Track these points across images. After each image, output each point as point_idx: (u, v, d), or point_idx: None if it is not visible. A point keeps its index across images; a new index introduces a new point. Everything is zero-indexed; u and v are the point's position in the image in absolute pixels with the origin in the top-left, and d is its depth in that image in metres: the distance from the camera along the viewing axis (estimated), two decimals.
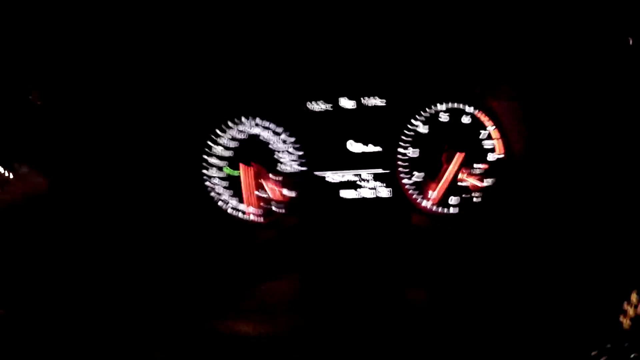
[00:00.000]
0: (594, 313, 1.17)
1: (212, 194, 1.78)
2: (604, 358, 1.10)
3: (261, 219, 1.77)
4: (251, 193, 1.75)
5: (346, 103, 1.71)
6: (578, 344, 1.14)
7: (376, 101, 1.71)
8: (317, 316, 1.30)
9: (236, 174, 1.74)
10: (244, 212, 1.78)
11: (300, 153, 1.73)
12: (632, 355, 1.11)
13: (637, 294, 1.16)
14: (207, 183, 1.78)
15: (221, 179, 1.78)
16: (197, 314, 1.32)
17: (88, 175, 1.49)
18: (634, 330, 1.13)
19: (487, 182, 1.64)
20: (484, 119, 1.65)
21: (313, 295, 1.44)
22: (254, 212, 1.77)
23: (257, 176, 1.74)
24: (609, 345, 1.10)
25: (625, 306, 1.15)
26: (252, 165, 1.73)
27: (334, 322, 1.27)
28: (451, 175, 1.66)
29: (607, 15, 1.30)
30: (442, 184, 1.67)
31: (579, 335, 1.15)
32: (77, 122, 1.48)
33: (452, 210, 1.69)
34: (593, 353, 1.13)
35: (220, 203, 1.77)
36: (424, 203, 1.70)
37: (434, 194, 1.69)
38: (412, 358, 1.14)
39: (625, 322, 1.14)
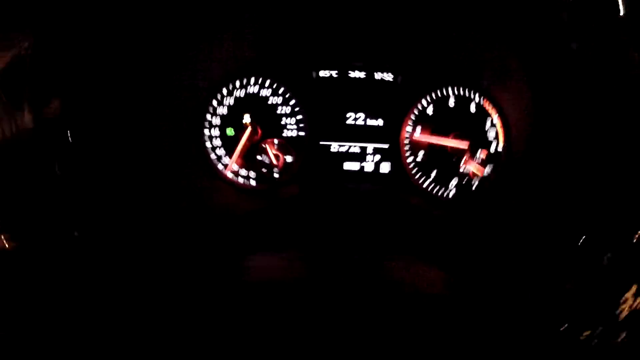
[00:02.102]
0: (592, 303, 1.17)
1: (212, 155, 1.67)
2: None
3: (260, 185, 1.68)
4: (248, 156, 1.67)
5: (357, 74, 1.64)
6: (572, 328, 1.14)
7: (387, 76, 1.65)
8: (312, 289, 1.24)
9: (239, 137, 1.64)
10: (244, 177, 1.68)
11: (307, 120, 1.65)
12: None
13: (638, 286, 1.17)
14: (208, 144, 1.66)
15: (223, 140, 1.66)
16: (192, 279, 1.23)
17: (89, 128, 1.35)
18: (629, 320, 1.13)
19: (488, 169, 1.61)
20: (489, 108, 1.62)
21: (310, 267, 1.38)
22: (253, 177, 1.68)
23: (261, 140, 1.64)
24: (600, 329, 1.10)
25: (625, 296, 1.15)
26: (256, 128, 1.63)
27: (327, 295, 1.21)
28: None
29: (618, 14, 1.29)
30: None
31: (574, 320, 1.14)
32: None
33: (450, 193, 1.66)
34: (585, 333, 1.13)
35: (220, 166, 1.67)
36: (424, 183, 1.66)
37: None
38: (407, 336, 1.11)
39: (623, 313, 1.15)
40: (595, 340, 1.11)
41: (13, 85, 1.24)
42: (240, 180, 1.69)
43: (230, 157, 1.67)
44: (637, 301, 1.18)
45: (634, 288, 1.21)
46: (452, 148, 1.62)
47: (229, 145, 1.67)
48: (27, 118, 1.24)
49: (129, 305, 1.16)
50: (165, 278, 1.26)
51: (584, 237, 1.29)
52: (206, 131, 1.68)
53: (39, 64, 1.25)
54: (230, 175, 1.69)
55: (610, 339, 1.11)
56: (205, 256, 1.37)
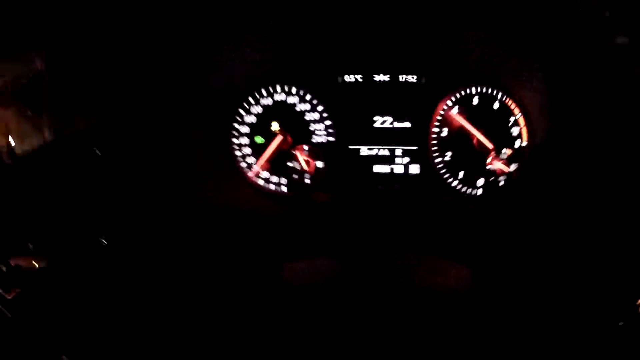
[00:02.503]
0: (614, 298, 1.18)
1: (242, 163, 1.67)
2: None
3: (292, 192, 1.69)
4: (279, 163, 1.68)
5: (381, 77, 1.65)
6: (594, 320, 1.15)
7: (411, 78, 1.66)
8: (348, 294, 1.26)
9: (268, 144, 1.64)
10: (276, 184, 1.68)
11: (335, 126, 1.66)
12: None
13: None
14: (237, 152, 1.66)
15: (252, 148, 1.66)
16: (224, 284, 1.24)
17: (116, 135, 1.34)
18: None
19: (513, 167, 1.64)
20: (513, 106, 1.64)
21: (345, 272, 1.40)
22: (285, 184, 1.68)
23: (290, 147, 1.65)
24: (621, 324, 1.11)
25: None
26: (286, 136, 1.63)
27: (363, 297, 1.24)
28: None
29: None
30: None
31: (596, 314, 1.16)
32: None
33: (478, 192, 1.68)
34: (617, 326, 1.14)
35: (250, 174, 1.67)
36: (453, 182, 1.68)
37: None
38: (441, 336, 1.12)
39: None
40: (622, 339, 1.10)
41: (36, 100, 1.23)
42: (272, 187, 1.69)
43: (262, 165, 1.67)
44: None
45: None
46: (478, 146, 1.64)
47: (259, 153, 1.67)
48: (51, 131, 1.24)
49: (163, 311, 1.16)
50: (201, 286, 1.26)
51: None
52: (234, 140, 1.67)
53: (61, 77, 1.24)
54: (261, 182, 1.69)
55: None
56: (241, 263, 1.38)
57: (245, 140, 1.67)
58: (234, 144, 1.67)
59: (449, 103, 1.67)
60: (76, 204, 1.24)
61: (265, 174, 1.69)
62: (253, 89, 1.65)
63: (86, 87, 1.30)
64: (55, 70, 1.23)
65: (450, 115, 1.66)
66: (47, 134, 1.25)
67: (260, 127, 1.66)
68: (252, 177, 1.68)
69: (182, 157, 1.53)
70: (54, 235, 1.19)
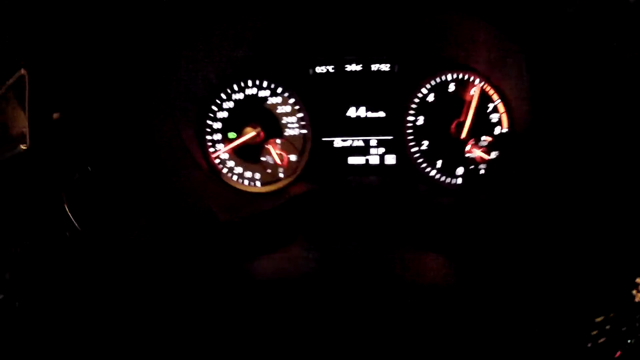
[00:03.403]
0: (605, 287, 1.13)
1: (217, 160, 1.63)
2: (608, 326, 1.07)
3: (266, 187, 1.64)
4: (252, 158, 1.64)
5: (353, 67, 1.59)
6: (585, 311, 1.09)
7: (384, 67, 1.60)
8: (325, 286, 1.21)
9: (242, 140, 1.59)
10: (249, 180, 1.64)
11: (308, 118, 1.61)
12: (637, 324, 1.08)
13: None
14: (211, 149, 1.62)
15: (225, 144, 1.62)
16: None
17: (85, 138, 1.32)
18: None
19: (493, 155, 1.56)
20: (491, 92, 1.57)
21: (321, 264, 1.35)
22: (259, 179, 1.64)
23: (263, 141, 1.60)
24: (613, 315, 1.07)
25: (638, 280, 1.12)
26: (259, 130, 1.59)
27: (340, 290, 1.19)
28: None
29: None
30: None
31: (587, 304, 1.11)
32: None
33: (457, 180, 1.61)
34: (598, 319, 1.09)
35: (224, 170, 1.63)
36: (431, 172, 1.61)
37: None
38: (417, 327, 1.09)
39: (638, 296, 1.12)
40: (602, 337, 1.07)
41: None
42: (246, 182, 1.65)
43: (235, 161, 1.63)
44: None
45: None
46: (456, 133, 1.56)
47: (235, 150, 1.63)
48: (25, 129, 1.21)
49: (134, 309, 1.13)
50: (173, 283, 1.23)
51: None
52: (208, 136, 1.63)
53: (38, 74, 1.21)
54: (235, 178, 1.65)
55: (617, 334, 1.07)
56: (214, 260, 1.34)
57: (218, 137, 1.63)
58: (207, 140, 1.63)
59: (424, 91, 1.60)
60: (47, 202, 1.22)
61: (231, 163, 1.64)
62: (224, 84, 1.60)
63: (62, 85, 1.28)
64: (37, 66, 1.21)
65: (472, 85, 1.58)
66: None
67: (233, 122, 1.62)
68: (228, 175, 1.63)
69: (155, 156, 1.49)
70: (24, 234, 1.16)
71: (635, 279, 1.13)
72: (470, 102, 1.56)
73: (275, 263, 1.37)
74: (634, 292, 1.14)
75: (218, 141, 1.64)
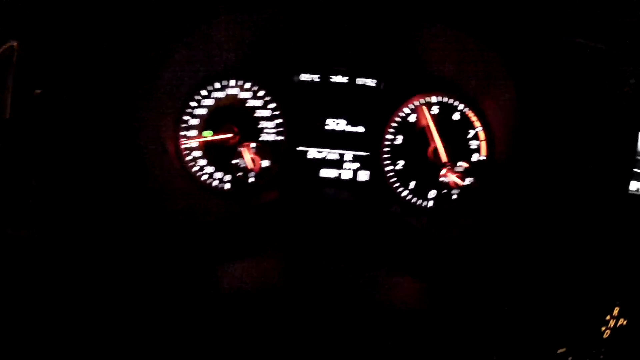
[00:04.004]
0: (575, 322, 1.11)
1: (188, 157, 1.59)
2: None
3: (235, 189, 1.59)
4: (225, 159, 1.59)
5: (339, 79, 1.56)
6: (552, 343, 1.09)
7: (370, 82, 1.57)
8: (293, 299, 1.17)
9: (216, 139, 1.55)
10: (219, 180, 1.59)
11: (285, 125, 1.57)
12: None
13: (620, 307, 1.12)
14: (184, 146, 1.58)
15: (200, 142, 1.58)
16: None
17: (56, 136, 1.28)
18: (612, 339, 1.12)
19: (467, 181, 1.52)
20: (474, 118, 1.54)
21: (288, 274, 1.31)
22: (229, 180, 1.59)
23: (237, 143, 1.56)
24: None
25: (608, 317, 1.10)
26: (234, 131, 1.55)
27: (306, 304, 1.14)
28: None
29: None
30: None
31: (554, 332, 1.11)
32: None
33: (429, 203, 1.57)
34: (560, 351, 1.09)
35: (195, 168, 1.58)
36: (403, 192, 1.57)
37: None
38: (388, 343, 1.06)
39: (606, 332, 1.10)
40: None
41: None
42: (215, 183, 1.60)
43: (208, 160, 1.58)
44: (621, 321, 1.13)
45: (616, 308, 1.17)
46: (433, 156, 1.53)
47: (206, 146, 1.58)
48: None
49: (96, 312, 1.08)
50: (135, 285, 1.18)
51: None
52: (183, 132, 1.59)
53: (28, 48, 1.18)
54: (204, 177, 1.60)
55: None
56: (176, 262, 1.29)
57: (193, 133, 1.59)
58: (182, 137, 1.59)
59: (407, 110, 1.56)
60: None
61: (202, 162, 1.59)
62: (206, 82, 1.57)
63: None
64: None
65: (421, 110, 1.54)
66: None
67: (210, 120, 1.58)
68: (198, 174, 1.58)
69: (132, 149, 1.45)
70: None
71: (605, 316, 1.16)
72: (432, 128, 1.53)
73: (240, 273, 1.31)
74: (603, 328, 1.15)
75: (192, 137, 1.60)
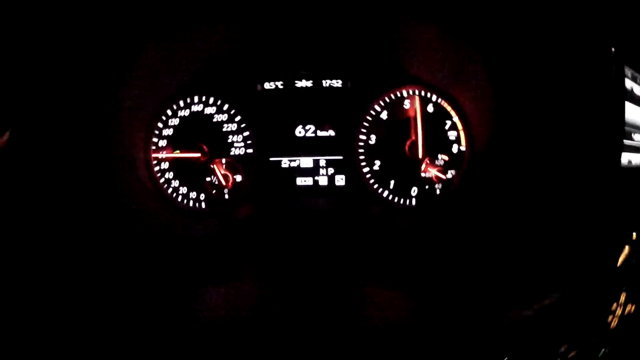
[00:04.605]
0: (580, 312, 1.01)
1: (162, 179, 1.54)
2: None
3: (211, 208, 1.53)
4: (197, 178, 1.53)
5: (303, 84, 1.49)
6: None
7: (336, 83, 1.49)
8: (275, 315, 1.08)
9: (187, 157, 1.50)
10: (194, 200, 1.53)
11: (254, 137, 1.51)
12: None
13: (626, 294, 1.02)
14: (157, 167, 1.53)
15: (171, 163, 1.53)
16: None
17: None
18: (619, 329, 1.01)
19: (450, 174, 1.43)
20: (449, 108, 1.45)
21: (271, 292, 1.21)
22: (203, 199, 1.53)
23: (208, 160, 1.50)
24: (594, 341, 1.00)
25: (614, 306, 1.00)
26: (203, 149, 1.49)
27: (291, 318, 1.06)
28: None
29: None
30: None
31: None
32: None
33: (411, 201, 1.48)
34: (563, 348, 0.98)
35: (170, 190, 1.53)
36: (383, 193, 1.48)
37: None
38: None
39: (613, 322, 1.00)
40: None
41: None
42: (191, 203, 1.54)
43: (180, 180, 1.53)
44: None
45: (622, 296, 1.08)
46: (410, 152, 1.44)
47: (177, 167, 1.53)
48: None
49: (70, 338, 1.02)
50: (111, 310, 1.11)
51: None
52: (154, 155, 1.54)
53: None
54: (179, 198, 1.55)
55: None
56: (154, 285, 1.22)
57: (163, 155, 1.54)
58: (152, 159, 1.54)
59: (377, 108, 1.49)
60: None
61: (175, 183, 1.54)
62: (171, 101, 1.52)
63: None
64: None
65: (413, 100, 1.46)
66: None
67: (178, 140, 1.53)
68: (172, 195, 1.53)
69: (98, 173, 1.40)
70: None
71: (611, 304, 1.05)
72: (418, 120, 1.44)
73: (219, 296, 1.24)
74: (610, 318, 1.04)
75: (163, 160, 1.55)
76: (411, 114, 1.44)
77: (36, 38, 1.16)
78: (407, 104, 1.48)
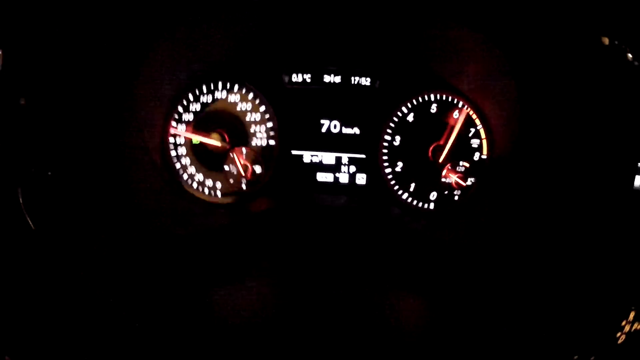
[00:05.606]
0: (589, 327, 1.02)
1: (178, 165, 1.48)
2: None
3: (227, 198, 1.49)
4: (215, 166, 1.49)
5: (331, 79, 1.46)
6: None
7: (365, 81, 1.46)
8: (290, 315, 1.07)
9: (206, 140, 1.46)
10: (210, 188, 1.49)
11: (278, 128, 1.47)
12: None
13: (636, 312, 1.03)
14: (173, 152, 1.47)
15: (189, 148, 1.47)
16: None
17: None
18: (627, 344, 1.01)
19: (470, 181, 1.43)
20: (474, 116, 1.44)
21: (287, 287, 1.21)
22: (220, 188, 1.49)
23: (229, 149, 1.46)
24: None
25: (623, 323, 1.02)
26: (225, 137, 1.45)
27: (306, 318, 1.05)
28: None
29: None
30: None
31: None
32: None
33: (430, 205, 1.47)
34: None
35: (185, 176, 1.48)
36: (403, 195, 1.47)
37: None
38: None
39: (621, 338, 1.01)
40: None
41: None
42: (206, 191, 1.50)
43: (197, 167, 1.48)
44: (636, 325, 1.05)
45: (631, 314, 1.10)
46: (433, 156, 1.44)
47: (195, 153, 1.48)
48: None
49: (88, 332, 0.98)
50: (124, 303, 1.08)
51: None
52: (171, 139, 1.49)
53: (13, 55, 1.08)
54: (195, 185, 1.50)
55: None
56: (167, 280, 1.18)
57: (181, 140, 1.49)
58: (170, 142, 1.48)
59: (404, 110, 1.47)
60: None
61: (192, 169, 1.50)
62: (193, 85, 1.46)
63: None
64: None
65: (462, 112, 1.45)
66: None
67: (199, 126, 1.47)
68: (188, 182, 1.48)
69: (115, 156, 1.34)
70: None
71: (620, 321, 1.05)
72: (453, 126, 1.43)
73: (231, 294, 1.20)
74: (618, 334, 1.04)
75: (181, 145, 1.49)
76: (451, 121, 1.43)
77: (55, 22, 1.10)
78: (433, 108, 1.47)
